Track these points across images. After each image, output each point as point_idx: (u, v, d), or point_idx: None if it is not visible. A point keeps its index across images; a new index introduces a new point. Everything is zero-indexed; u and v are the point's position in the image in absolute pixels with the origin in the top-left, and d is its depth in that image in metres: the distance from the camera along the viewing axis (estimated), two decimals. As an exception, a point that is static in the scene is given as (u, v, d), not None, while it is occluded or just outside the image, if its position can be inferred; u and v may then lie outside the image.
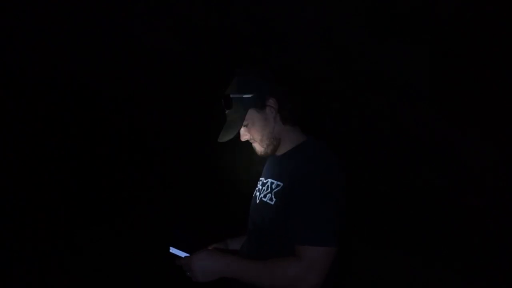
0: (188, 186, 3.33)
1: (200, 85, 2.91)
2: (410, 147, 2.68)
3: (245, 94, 1.23)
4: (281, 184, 1.17)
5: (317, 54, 2.40)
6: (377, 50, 2.21)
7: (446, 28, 1.94)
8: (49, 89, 2.88)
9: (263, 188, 1.27)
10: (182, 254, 1.20)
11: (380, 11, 2.00)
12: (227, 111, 1.25)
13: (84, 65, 2.79)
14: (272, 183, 1.23)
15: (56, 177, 3.01)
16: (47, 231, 2.80)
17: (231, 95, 1.23)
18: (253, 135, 1.23)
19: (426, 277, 2.55)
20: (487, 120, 2.23)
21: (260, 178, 1.37)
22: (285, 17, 2.24)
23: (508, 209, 2.45)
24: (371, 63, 2.29)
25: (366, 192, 2.86)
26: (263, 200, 1.22)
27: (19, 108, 2.82)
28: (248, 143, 1.29)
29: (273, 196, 1.19)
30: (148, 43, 2.60)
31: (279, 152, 1.25)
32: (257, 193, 1.30)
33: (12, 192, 2.79)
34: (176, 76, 2.88)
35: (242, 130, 1.23)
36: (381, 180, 3.02)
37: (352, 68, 2.38)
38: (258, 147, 1.25)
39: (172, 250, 1.24)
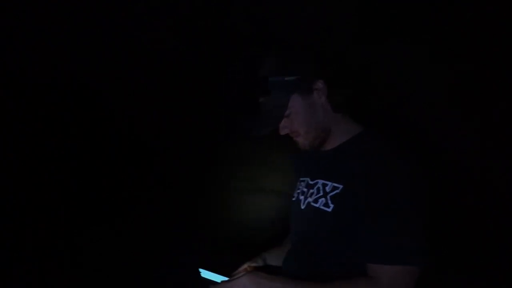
0: (188, 186, 3.33)
1: (200, 85, 2.91)
2: (410, 147, 2.68)
3: (286, 76, 0.98)
4: (340, 186, 0.95)
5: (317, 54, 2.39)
6: (377, 50, 2.21)
7: (446, 28, 1.94)
8: (48, 89, 2.88)
9: (311, 190, 1.05)
10: (217, 277, 1.02)
11: (380, 11, 2.00)
12: (262, 98, 1.02)
13: (84, 65, 2.79)
14: (324, 184, 1.00)
15: (56, 177, 3.01)
16: (47, 231, 2.80)
17: (269, 78, 0.99)
18: (297, 126, 1.02)
19: (426, 276, 2.55)
20: (487, 120, 2.23)
21: (302, 178, 1.13)
22: (285, 17, 2.24)
23: (508, 209, 2.45)
24: (371, 63, 2.29)
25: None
26: (314, 206, 1.00)
27: (19, 108, 2.82)
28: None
29: (329, 202, 0.96)
30: (148, 43, 2.60)
31: (329, 146, 1.05)
32: (300, 197, 1.09)
33: (12, 192, 2.79)
34: (176, 76, 2.88)
35: (282, 122, 1.03)
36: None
37: (352, 68, 2.38)
38: (303, 141, 1.04)
39: (204, 273, 1.04)
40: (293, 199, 1.15)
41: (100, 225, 2.98)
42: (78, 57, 2.71)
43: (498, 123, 2.20)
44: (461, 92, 2.17)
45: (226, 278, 1.01)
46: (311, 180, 1.08)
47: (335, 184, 0.97)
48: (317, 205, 0.99)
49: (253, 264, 1.15)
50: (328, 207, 0.96)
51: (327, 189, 0.98)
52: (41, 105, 2.89)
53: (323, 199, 0.99)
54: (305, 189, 1.09)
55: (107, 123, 3.18)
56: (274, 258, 1.20)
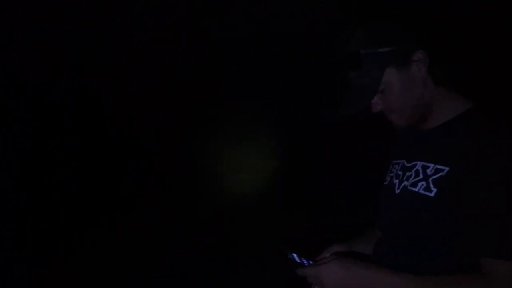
0: (188, 186, 3.33)
1: (200, 85, 2.91)
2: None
3: (381, 47, 0.86)
4: (445, 168, 0.82)
5: (317, 53, 2.40)
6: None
7: (446, 28, 1.94)
8: (48, 89, 2.88)
9: (408, 173, 0.93)
10: (304, 261, 0.94)
11: (380, 11, 2.00)
12: (353, 73, 0.91)
13: (84, 65, 2.79)
14: (425, 166, 0.88)
15: (56, 177, 3.01)
16: (47, 231, 2.80)
17: (361, 51, 0.88)
18: (391, 103, 0.89)
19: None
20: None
21: (396, 161, 1.02)
22: (285, 17, 2.24)
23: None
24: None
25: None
26: (412, 190, 0.88)
27: (19, 108, 2.82)
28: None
29: (431, 185, 0.83)
30: (148, 43, 2.60)
31: (430, 125, 0.91)
32: (395, 180, 0.97)
33: (12, 192, 2.79)
34: (176, 76, 2.88)
35: (375, 98, 0.90)
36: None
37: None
38: (398, 120, 0.91)
39: (291, 255, 0.97)
40: (385, 183, 1.02)
41: (100, 225, 2.98)
42: (78, 57, 2.72)
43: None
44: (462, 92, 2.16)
45: (310, 263, 0.93)
46: (408, 162, 0.95)
47: (439, 166, 0.84)
48: (415, 189, 0.87)
49: (339, 249, 1.04)
50: (430, 191, 0.83)
51: (429, 171, 0.86)
52: (41, 105, 2.89)
53: (423, 182, 0.86)
54: (400, 172, 0.97)
55: (107, 123, 3.19)
56: (360, 245, 1.08)
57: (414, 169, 0.91)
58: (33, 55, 2.65)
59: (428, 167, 0.87)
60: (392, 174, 1.01)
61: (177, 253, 2.74)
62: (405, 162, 0.97)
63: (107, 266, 2.61)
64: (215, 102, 2.99)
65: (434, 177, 0.84)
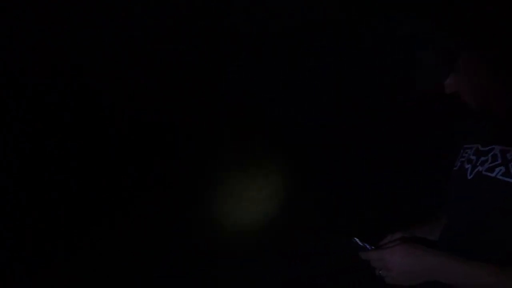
0: (188, 186, 3.33)
1: (200, 85, 2.91)
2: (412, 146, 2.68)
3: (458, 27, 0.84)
4: None
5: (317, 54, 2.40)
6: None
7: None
8: (48, 89, 2.88)
9: (482, 158, 0.87)
10: (366, 245, 0.92)
11: (380, 11, 2.00)
12: (424, 53, 0.88)
13: (84, 65, 2.79)
14: (504, 151, 0.82)
15: (56, 177, 3.01)
16: (47, 231, 2.80)
17: (436, 29, 0.86)
18: (468, 84, 0.85)
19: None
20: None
21: (469, 145, 0.97)
22: (285, 17, 2.24)
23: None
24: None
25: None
26: (488, 176, 0.83)
27: (19, 108, 2.82)
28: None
29: None
30: (148, 43, 2.60)
31: (510, 107, 0.87)
32: (466, 165, 0.92)
33: (12, 192, 2.79)
34: (176, 76, 2.88)
35: (449, 79, 0.87)
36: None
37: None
38: (474, 102, 0.88)
39: (353, 239, 0.94)
40: (455, 168, 0.97)
41: (100, 225, 2.98)
42: (78, 57, 2.71)
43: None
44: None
45: (372, 248, 0.92)
46: (483, 147, 0.89)
47: None
48: (492, 175, 0.82)
49: (402, 235, 1.01)
50: (511, 177, 0.78)
51: (509, 156, 0.80)
52: (41, 105, 2.89)
53: (501, 167, 0.80)
54: (473, 157, 0.91)
55: (107, 123, 3.18)
56: (424, 232, 1.05)
57: (491, 153, 0.86)
58: (33, 55, 2.65)
59: (508, 151, 0.82)
60: (463, 159, 0.95)
61: (177, 253, 2.74)
62: (480, 146, 0.91)
63: (107, 266, 2.61)
64: (215, 102, 2.99)
65: None
